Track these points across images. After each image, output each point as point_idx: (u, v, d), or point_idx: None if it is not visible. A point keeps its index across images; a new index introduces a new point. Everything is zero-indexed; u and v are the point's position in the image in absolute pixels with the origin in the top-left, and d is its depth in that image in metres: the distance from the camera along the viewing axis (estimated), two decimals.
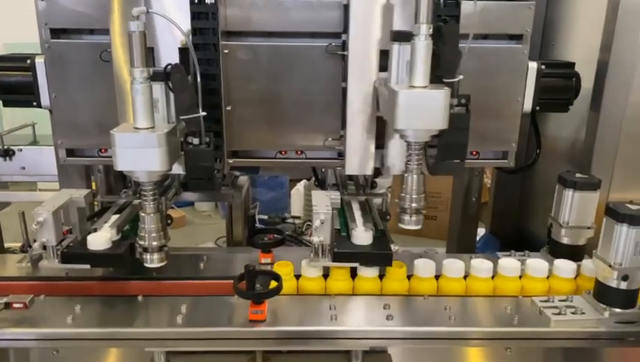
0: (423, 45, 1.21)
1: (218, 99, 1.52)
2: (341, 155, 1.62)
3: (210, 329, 1.29)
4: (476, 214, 2.17)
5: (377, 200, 1.79)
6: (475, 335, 1.32)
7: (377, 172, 1.77)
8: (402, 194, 1.37)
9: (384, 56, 1.46)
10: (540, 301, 1.40)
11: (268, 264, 1.61)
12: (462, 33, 1.53)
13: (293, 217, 4.25)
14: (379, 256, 1.42)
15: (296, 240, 3.39)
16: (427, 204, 1.41)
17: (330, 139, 1.62)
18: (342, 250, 1.41)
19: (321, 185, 1.97)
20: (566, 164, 1.89)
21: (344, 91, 1.53)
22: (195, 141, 1.38)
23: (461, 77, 1.29)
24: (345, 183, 1.90)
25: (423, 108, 1.21)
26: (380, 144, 1.55)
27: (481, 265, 1.50)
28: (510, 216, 2.39)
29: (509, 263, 1.51)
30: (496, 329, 1.32)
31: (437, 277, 1.52)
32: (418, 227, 1.40)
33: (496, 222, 2.48)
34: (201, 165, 1.38)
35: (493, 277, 1.51)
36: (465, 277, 1.52)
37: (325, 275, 1.50)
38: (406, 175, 1.36)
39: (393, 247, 1.47)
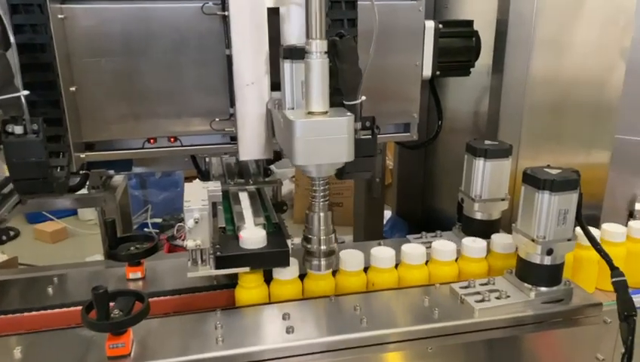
0: (317, 64, 1.02)
1: (53, 76, 1.18)
2: (234, 139, 1.35)
3: None
4: (381, 196, 1.99)
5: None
6: (393, 338, 1.10)
7: (275, 156, 1.53)
8: (309, 236, 1.20)
9: (274, 16, 1.22)
10: (460, 287, 1.22)
11: (138, 279, 1.30)
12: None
13: None
14: (274, 255, 1.17)
15: None
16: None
17: (217, 119, 1.35)
18: (227, 253, 1.15)
19: (205, 177, 1.69)
20: (469, 136, 1.76)
21: (229, 60, 1.26)
22: (18, 130, 1.04)
23: (363, 98, 1.11)
24: (233, 173, 1.64)
25: (325, 140, 1.01)
26: None
27: (382, 255, 1.28)
28: (416, 196, 2.26)
29: (412, 249, 1.31)
30: (416, 327, 1.12)
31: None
32: (330, 271, 1.25)
33: (401, 203, 2.34)
34: (29, 161, 1.05)
35: (397, 265, 1.31)
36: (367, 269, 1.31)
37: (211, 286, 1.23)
38: (311, 214, 1.19)
39: (292, 242, 1.23)
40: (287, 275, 1.22)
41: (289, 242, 1.21)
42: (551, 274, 1.19)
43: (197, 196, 1.13)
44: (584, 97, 1.60)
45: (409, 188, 2.27)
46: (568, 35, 1.55)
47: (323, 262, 1.22)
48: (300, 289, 1.25)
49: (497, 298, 1.18)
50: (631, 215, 2.01)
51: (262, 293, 1.23)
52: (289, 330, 1.07)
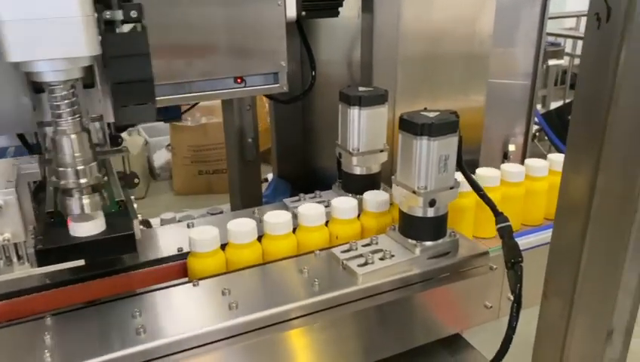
0: None
1: None
2: None
3: None
4: (256, 158, 1.82)
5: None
6: (268, 321, 0.95)
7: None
8: (60, 169, 0.89)
9: None
10: (342, 252, 1.10)
11: None
12: None
13: None
14: (114, 242, 0.95)
15: None
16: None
17: None
18: (51, 246, 0.91)
19: (36, 151, 1.39)
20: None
21: None
22: None
23: None
24: None
25: (47, 25, 0.75)
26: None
27: (240, 229, 1.11)
28: (297, 155, 2.11)
29: (275, 217, 1.14)
30: (295, 304, 0.97)
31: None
32: (98, 211, 0.96)
33: (282, 164, 2.18)
34: None
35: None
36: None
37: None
38: (58, 138, 0.88)
39: (140, 222, 1.01)
40: (245, 238, 1.08)
41: (136, 223, 0.99)
42: (435, 227, 1.10)
43: (1, 176, 0.88)
44: (458, 40, 1.52)
45: (289, 148, 2.12)
46: None
47: (86, 200, 0.92)
48: (259, 253, 1.10)
49: (381, 259, 1.07)
50: (505, 156, 2.03)
51: (218, 261, 1.08)
52: (139, 331, 0.87)
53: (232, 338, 0.92)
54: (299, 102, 1.91)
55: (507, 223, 1.07)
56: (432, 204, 1.06)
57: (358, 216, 1.24)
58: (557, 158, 1.37)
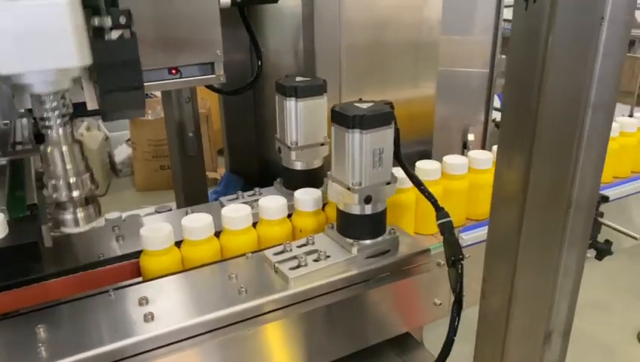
0: None
1: None
2: None
3: None
4: (199, 153, 1.73)
5: None
6: (188, 333, 0.88)
7: None
8: (52, 182, 0.82)
9: None
10: (274, 254, 1.03)
11: None
12: None
13: None
14: (14, 251, 0.86)
15: None
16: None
17: None
18: None
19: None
20: None
21: None
22: None
23: None
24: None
25: (37, 34, 0.68)
26: None
27: (195, 225, 1.03)
28: (249, 149, 2.03)
29: (233, 211, 1.08)
30: (214, 315, 0.89)
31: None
32: (93, 225, 0.89)
33: (234, 158, 2.10)
34: None
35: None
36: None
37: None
38: (49, 150, 0.82)
39: (50, 227, 0.93)
40: (201, 234, 1.02)
41: (44, 229, 0.91)
42: (373, 225, 1.04)
43: None
44: (405, 27, 1.46)
45: (241, 141, 2.03)
46: None
47: (80, 214, 0.86)
48: (217, 249, 1.04)
49: (315, 260, 1.00)
50: (465, 146, 1.98)
51: (173, 259, 1.02)
52: (40, 349, 0.79)
53: (145, 353, 0.84)
54: (249, 93, 1.83)
55: (448, 219, 1.02)
56: (367, 200, 0.99)
57: (323, 208, 1.19)
58: None
